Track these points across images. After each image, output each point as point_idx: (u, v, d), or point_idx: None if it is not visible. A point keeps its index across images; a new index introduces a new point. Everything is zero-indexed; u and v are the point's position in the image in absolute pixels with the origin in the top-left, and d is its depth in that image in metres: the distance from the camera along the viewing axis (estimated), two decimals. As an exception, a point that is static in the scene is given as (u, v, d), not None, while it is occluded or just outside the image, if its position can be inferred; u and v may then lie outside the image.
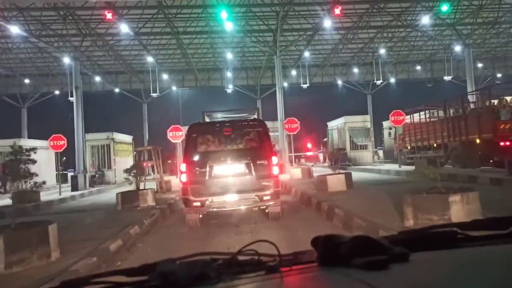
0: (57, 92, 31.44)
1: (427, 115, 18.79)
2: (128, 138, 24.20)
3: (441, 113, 18.47)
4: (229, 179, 6.80)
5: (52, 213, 10.85)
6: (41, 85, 31.16)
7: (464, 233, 1.06)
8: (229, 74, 29.90)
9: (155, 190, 10.84)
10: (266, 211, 7.16)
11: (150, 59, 24.80)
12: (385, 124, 26.55)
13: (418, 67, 31.35)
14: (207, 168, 6.79)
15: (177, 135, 16.80)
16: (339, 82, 33.59)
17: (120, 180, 17.84)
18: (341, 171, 10.56)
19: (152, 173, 25.44)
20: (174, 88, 32.24)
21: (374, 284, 0.76)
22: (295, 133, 17.22)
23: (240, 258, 0.97)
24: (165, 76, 30.06)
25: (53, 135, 16.10)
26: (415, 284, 0.77)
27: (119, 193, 9.03)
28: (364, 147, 22.29)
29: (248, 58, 30.75)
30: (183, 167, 6.87)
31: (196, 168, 6.83)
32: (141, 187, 10.78)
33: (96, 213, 8.93)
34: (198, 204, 6.76)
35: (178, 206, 10.29)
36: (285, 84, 28.39)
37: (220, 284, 0.87)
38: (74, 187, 17.85)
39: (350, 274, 0.84)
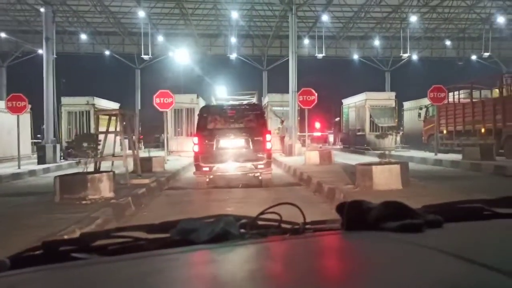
0: (40, 51, 27.99)
1: (465, 94, 15.68)
2: (113, 105, 20.93)
3: (483, 93, 15.34)
4: (232, 150, 8.20)
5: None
6: (23, 42, 27.62)
7: (491, 210, 1.01)
8: (233, 40, 26.39)
9: (126, 171, 7.79)
10: (260, 178, 8.55)
11: (142, 14, 21.28)
12: (406, 104, 23.39)
13: (448, 42, 27.76)
14: (215, 142, 8.17)
15: (166, 102, 13.64)
16: (355, 57, 30.07)
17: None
18: (392, 159, 7.48)
19: (142, 147, 22.44)
20: (171, 53, 28.70)
21: (412, 242, 0.74)
22: (310, 107, 14.05)
23: (262, 223, 0.94)
24: (160, 39, 26.60)
25: (12, 95, 12.99)
26: (453, 246, 0.73)
27: (57, 176, 5.99)
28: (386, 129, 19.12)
29: (256, 23, 27.24)
30: (195, 140, 8.34)
31: (206, 141, 8.19)
32: (106, 167, 7.79)
33: (21, 203, 5.92)
34: (207, 169, 8.19)
35: (153, 197, 7.29)
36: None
37: (242, 242, 0.84)
38: (41, 160, 14.88)
39: (382, 235, 0.81)
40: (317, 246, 0.85)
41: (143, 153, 14.43)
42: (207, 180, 8.46)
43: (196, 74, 29.23)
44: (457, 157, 12.65)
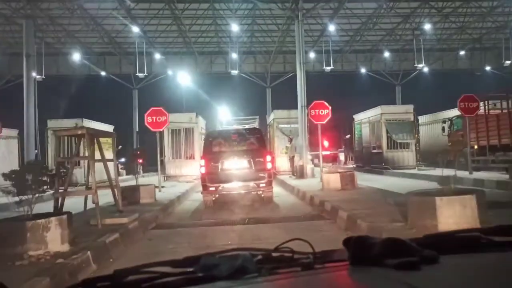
0: (33, 74, 26.68)
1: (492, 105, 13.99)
2: (106, 127, 19.33)
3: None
4: (235, 171, 8.96)
5: None
6: (14, 65, 26.28)
7: (488, 238, 1.04)
8: (234, 56, 24.99)
9: (96, 209, 6.02)
10: (262, 195, 9.31)
11: (135, 29, 19.95)
12: (422, 119, 21.67)
13: (462, 53, 26.25)
14: (220, 163, 8.94)
15: (159, 121, 11.98)
16: (363, 71, 28.56)
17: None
18: (458, 185, 5.67)
19: (140, 172, 20.68)
20: (170, 72, 27.34)
21: (409, 283, 0.78)
22: (324, 122, 12.35)
23: (276, 254, 1.00)
24: (157, 57, 25.29)
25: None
26: (448, 285, 0.78)
27: (-14, 223, 4.26)
28: (406, 146, 17.35)
29: (258, 38, 25.88)
30: (202, 162, 9.10)
31: (212, 163, 8.94)
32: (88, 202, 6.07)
33: None
34: (213, 188, 8.94)
35: (131, 243, 5.49)
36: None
37: (259, 278, 0.89)
38: (21, 190, 13.11)
39: (383, 273, 0.86)
40: (325, 284, 0.90)
41: (141, 179, 12.73)
42: (213, 198, 9.14)
43: (197, 93, 27.84)
44: (498, 176, 10.86)
